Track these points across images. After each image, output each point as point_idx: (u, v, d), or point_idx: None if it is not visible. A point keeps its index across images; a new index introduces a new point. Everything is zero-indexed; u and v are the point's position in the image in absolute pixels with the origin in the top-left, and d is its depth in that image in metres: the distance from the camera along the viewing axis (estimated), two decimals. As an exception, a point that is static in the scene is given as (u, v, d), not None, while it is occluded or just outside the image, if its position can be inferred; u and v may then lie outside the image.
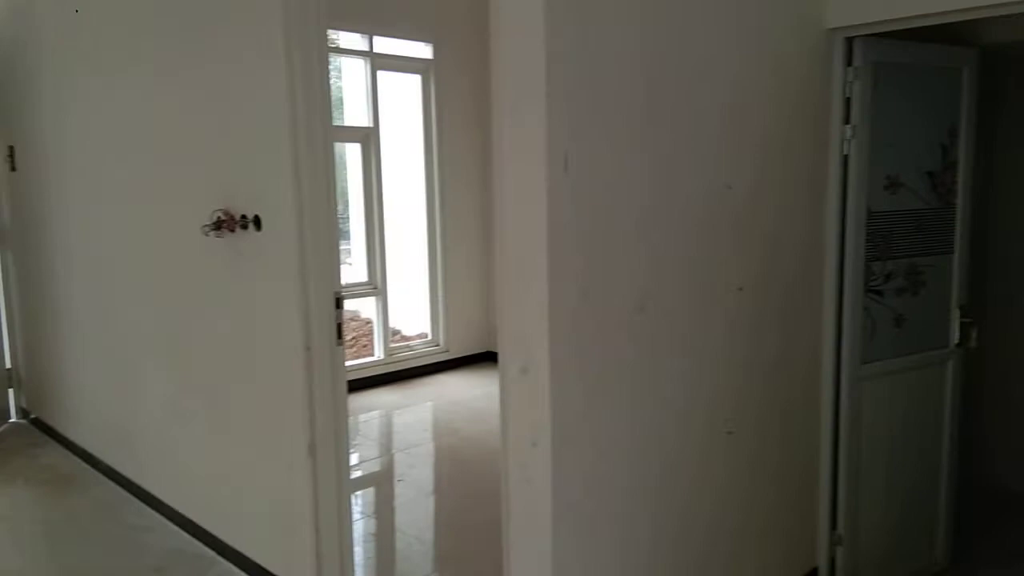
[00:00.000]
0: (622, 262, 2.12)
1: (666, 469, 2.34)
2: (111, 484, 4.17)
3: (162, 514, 3.75)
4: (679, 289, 2.31)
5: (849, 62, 2.77)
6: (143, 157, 3.54)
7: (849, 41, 2.76)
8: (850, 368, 2.89)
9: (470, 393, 6.03)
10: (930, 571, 3.23)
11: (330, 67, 2.65)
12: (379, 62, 6.05)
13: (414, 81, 6.34)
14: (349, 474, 2.88)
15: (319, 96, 2.56)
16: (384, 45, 6.10)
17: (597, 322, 2.06)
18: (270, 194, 2.73)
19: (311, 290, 2.62)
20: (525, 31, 1.88)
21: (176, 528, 3.63)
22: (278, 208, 2.68)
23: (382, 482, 4.44)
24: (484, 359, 6.75)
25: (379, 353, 6.32)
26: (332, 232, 2.65)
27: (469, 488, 4.29)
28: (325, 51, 2.58)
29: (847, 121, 2.78)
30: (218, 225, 2.87)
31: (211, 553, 3.39)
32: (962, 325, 3.08)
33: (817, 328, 2.91)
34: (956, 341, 3.09)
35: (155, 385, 3.72)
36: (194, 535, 3.52)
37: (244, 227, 2.84)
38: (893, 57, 2.80)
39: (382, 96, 6.12)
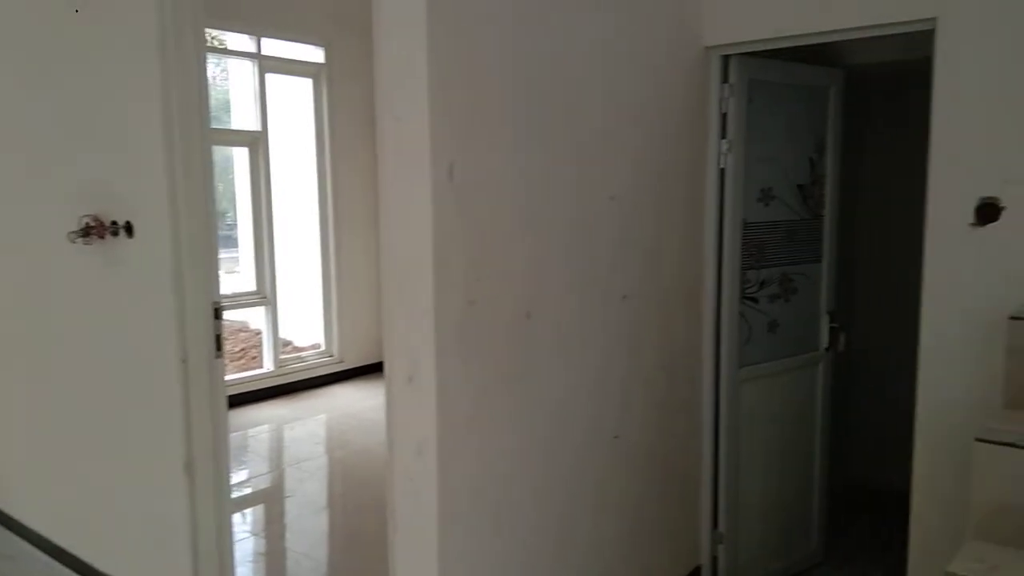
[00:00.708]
0: (508, 270, 2.13)
1: (552, 475, 2.36)
2: (-33, 511, 3.85)
3: (28, 540, 3.48)
4: (564, 297, 2.34)
5: (725, 79, 2.89)
6: (2, 158, 3.29)
7: (725, 59, 2.89)
8: (728, 371, 3.01)
9: (364, 404, 5.92)
10: (806, 564, 3.40)
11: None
12: (268, 64, 5.88)
13: (305, 85, 6.20)
14: (230, 493, 2.77)
15: (196, 95, 2.45)
16: (273, 47, 5.93)
17: (483, 329, 2.06)
18: (143, 199, 2.59)
19: (187, 300, 2.50)
20: (408, 39, 1.86)
21: (43, 555, 3.38)
22: (152, 214, 2.55)
23: (270, 499, 4.29)
24: (379, 369, 6.56)
25: (269, 365, 6.12)
26: (211, 239, 2.54)
27: (361, 501, 4.21)
28: (203, 47, 2.48)
29: (723, 136, 2.91)
30: (87, 232, 2.70)
31: (80, 581, 3.18)
32: (831, 330, 3.27)
33: (697, 334, 3.02)
34: (826, 345, 3.28)
35: (19, 402, 3.46)
36: (63, 562, 3.28)
37: (115, 234, 2.68)
38: (766, 75, 2.95)
39: (272, 99, 5.94)
